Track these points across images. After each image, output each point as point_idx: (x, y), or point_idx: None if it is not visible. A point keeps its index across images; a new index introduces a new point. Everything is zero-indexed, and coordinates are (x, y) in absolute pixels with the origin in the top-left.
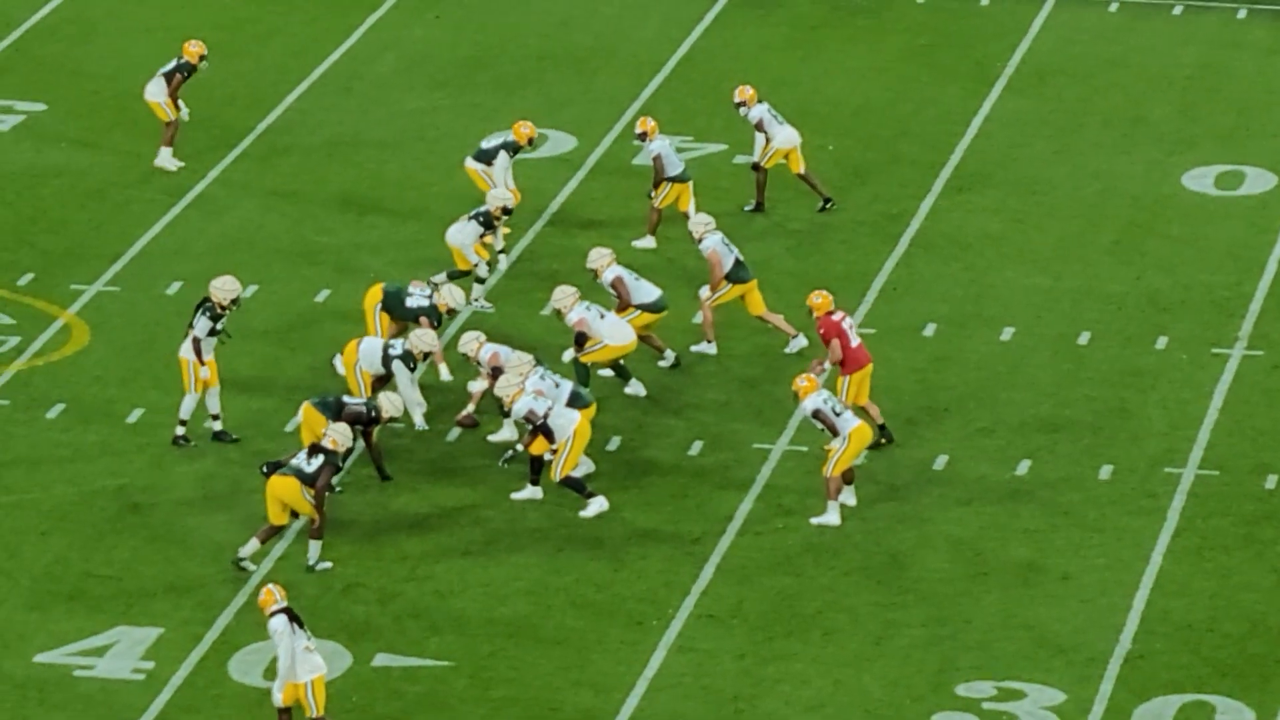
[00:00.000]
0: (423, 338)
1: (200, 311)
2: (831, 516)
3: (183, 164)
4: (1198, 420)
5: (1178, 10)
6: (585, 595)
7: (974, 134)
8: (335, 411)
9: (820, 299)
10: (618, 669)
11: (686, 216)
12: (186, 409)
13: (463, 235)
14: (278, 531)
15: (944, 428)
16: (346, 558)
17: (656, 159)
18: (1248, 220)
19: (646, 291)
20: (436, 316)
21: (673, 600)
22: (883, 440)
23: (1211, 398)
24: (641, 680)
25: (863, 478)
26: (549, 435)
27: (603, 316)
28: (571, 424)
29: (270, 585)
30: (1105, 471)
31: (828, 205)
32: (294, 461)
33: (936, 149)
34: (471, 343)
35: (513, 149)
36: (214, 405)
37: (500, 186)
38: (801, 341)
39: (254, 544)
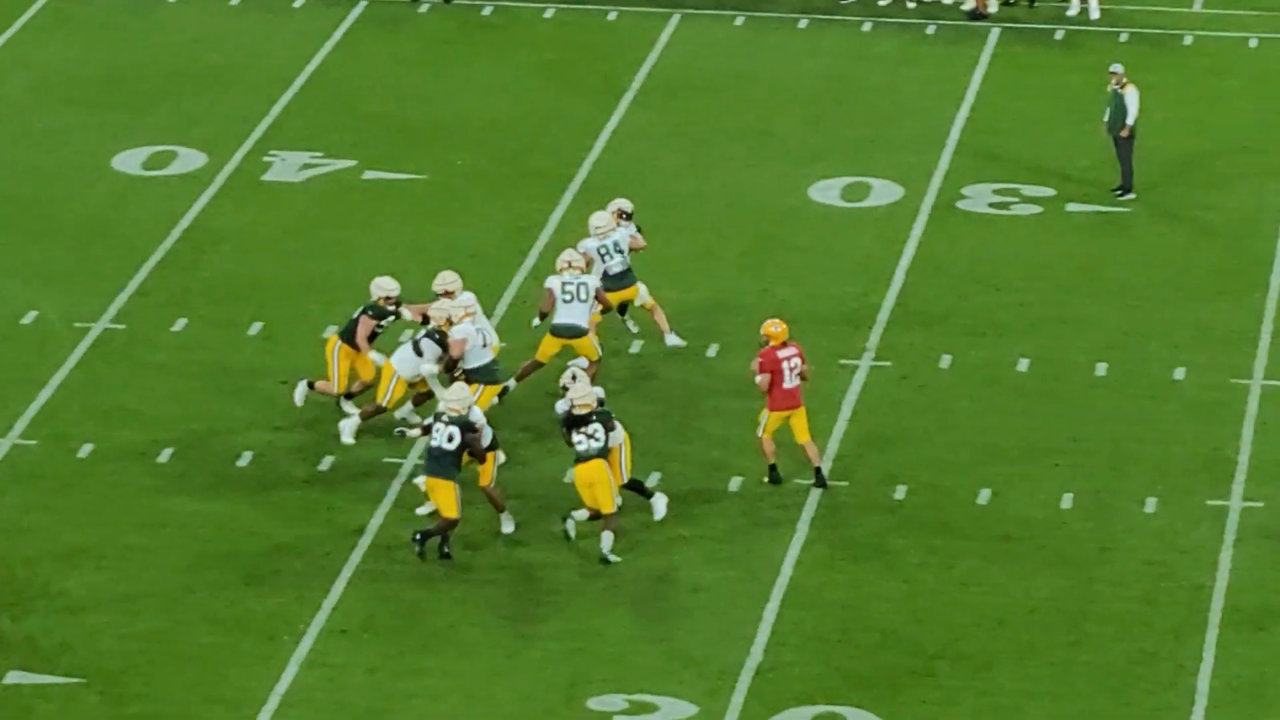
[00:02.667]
0: (440, 307)
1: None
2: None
3: None
4: (828, 431)
5: (803, 24)
6: (219, 611)
7: (602, 147)
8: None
9: (778, 328)
10: (250, 684)
11: None
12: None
13: None
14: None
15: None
16: None
17: None
18: (875, 231)
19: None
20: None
21: (304, 615)
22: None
23: (840, 409)
24: (274, 696)
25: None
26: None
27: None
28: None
29: None
30: (734, 483)
31: None
32: (595, 445)
33: (565, 162)
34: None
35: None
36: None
37: None
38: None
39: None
